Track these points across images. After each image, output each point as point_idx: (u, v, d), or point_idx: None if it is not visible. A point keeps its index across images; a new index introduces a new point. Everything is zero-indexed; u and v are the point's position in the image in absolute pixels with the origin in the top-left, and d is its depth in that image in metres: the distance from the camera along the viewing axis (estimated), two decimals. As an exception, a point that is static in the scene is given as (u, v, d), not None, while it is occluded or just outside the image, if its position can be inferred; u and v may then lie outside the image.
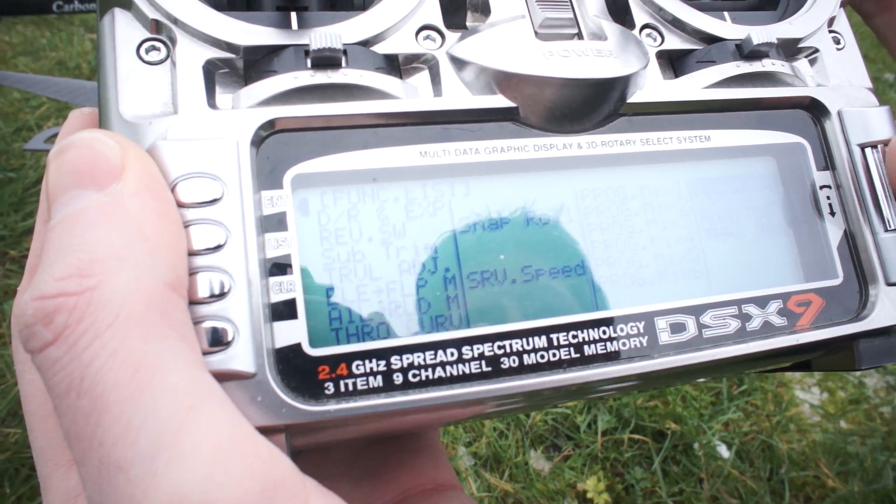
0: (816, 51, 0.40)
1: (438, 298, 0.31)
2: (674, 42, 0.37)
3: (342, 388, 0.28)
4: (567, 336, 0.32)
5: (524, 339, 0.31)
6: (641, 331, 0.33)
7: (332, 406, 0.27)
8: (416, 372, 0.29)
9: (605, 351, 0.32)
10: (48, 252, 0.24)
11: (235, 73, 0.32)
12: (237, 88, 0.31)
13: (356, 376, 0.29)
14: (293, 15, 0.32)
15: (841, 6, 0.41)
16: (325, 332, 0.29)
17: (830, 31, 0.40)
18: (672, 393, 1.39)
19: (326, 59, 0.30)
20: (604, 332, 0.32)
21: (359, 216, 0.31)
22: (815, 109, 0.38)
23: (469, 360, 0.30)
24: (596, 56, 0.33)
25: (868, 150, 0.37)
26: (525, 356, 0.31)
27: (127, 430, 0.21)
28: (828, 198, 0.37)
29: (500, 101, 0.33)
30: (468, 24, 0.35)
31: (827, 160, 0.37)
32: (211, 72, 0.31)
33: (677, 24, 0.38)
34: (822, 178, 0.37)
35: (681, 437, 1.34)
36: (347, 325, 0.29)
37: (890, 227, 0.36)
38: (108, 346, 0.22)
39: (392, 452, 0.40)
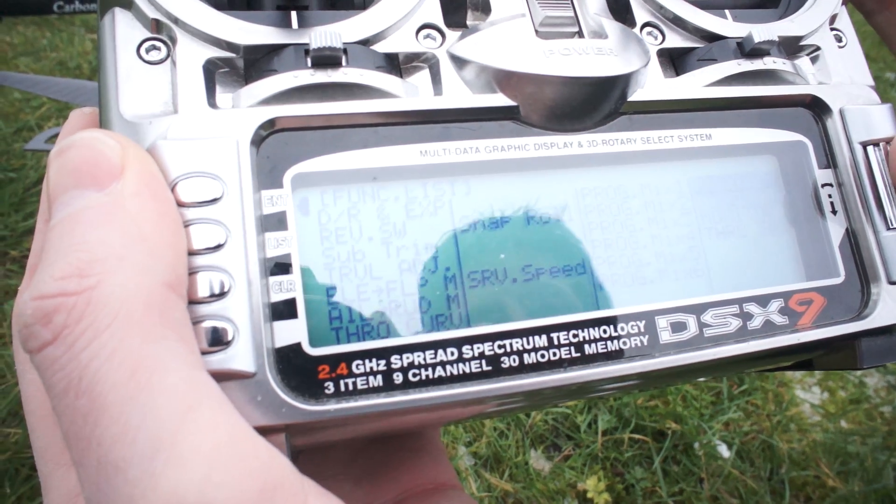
0: (818, 48, 0.40)
1: (439, 297, 0.31)
2: (675, 40, 0.37)
3: (342, 388, 0.28)
4: (567, 335, 0.31)
5: (524, 339, 0.31)
6: (642, 330, 0.33)
7: (332, 406, 0.27)
8: (417, 371, 0.29)
9: (605, 350, 0.32)
10: (48, 252, 0.24)
11: (236, 73, 0.32)
12: (237, 88, 0.31)
13: (356, 376, 0.29)
14: (293, 14, 0.32)
15: (843, 4, 0.41)
16: (325, 331, 0.29)
17: (832, 29, 0.40)
18: (672, 392, 1.39)
19: (326, 59, 0.30)
20: (604, 332, 0.32)
21: (359, 215, 0.31)
22: (816, 107, 0.38)
23: (469, 360, 0.30)
24: (597, 54, 0.33)
25: (870, 148, 0.37)
26: (525, 355, 0.31)
27: (125, 430, 0.21)
28: (829, 196, 0.37)
29: (500, 99, 0.33)
30: (468, 22, 0.35)
31: (829, 158, 0.37)
32: (211, 71, 0.31)
33: (678, 23, 0.37)
34: (823, 176, 0.37)
35: (681, 436, 1.34)
36: (347, 324, 0.29)
37: (892, 225, 0.36)
38: (106, 346, 0.22)
39: (393, 452, 0.40)
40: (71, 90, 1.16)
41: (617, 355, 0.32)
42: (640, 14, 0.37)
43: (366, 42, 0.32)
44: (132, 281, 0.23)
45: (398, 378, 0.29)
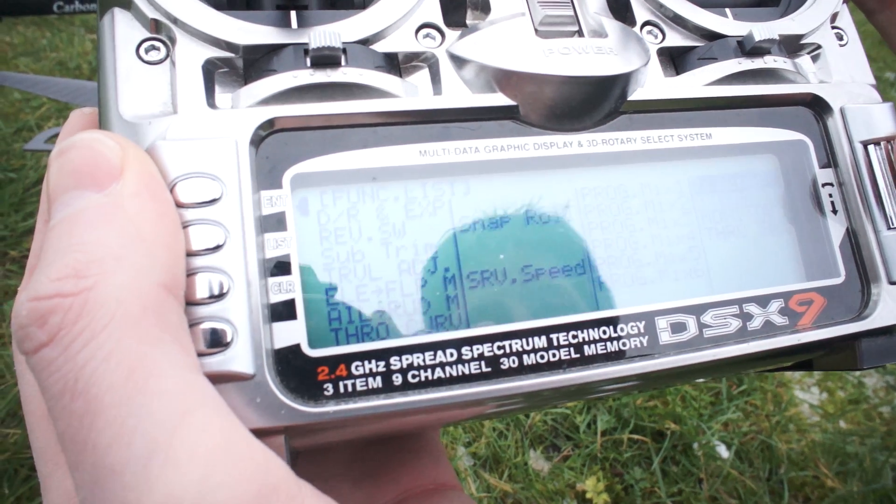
0: (819, 47, 0.40)
1: (438, 298, 0.31)
2: (675, 39, 0.37)
3: (341, 389, 0.28)
4: (567, 336, 0.31)
5: (524, 340, 0.31)
6: (642, 330, 0.32)
7: (331, 407, 0.27)
8: (416, 373, 0.29)
9: (605, 351, 0.32)
10: (46, 253, 0.24)
11: (235, 73, 0.32)
12: (237, 88, 0.31)
13: (355, 377, 0.28)
14: (293, 14, 0.32)
15: (843, 2, 0.41)
16: (324, 332, 0.29)
17: (833, 27, 0.40)
18: (671, 393, 1.39)
19: (326, 58, 0.30)
20: (604, 332, 0.32)
21: (358, 215, 0.31)
22: (817, 106, 0.38)
23: (469, 361, 0.30)
24: (596, 53, 0.33)
25: (871, 147, 0.37)
26: (525, 356, 0.31)
27: (121, 433, 0.21)
28: (830, 195, 0.37)
29: (500, 99, 0.33)
30: (468, 21, 0.35)
31: (829, 157, 0.37)
32: (210, 71, 0.31)
33: (678, 21, 0.37)
34: (824, 175, 0.37)
35: (680, 437, 1.34)
36: (347, 325, 0.29)
37: (893, 224, 0.36)
38: (103, 348, 0.22)
39: (392, 453, 0.40)
40: (71, 90, 1.16)
41: (617, 356, 0.32)
42: (640, 13, 0.37)
43: (365, 42, 0.32)
44: (129, 282, 0.23)
45: (397, 379, 0.29)
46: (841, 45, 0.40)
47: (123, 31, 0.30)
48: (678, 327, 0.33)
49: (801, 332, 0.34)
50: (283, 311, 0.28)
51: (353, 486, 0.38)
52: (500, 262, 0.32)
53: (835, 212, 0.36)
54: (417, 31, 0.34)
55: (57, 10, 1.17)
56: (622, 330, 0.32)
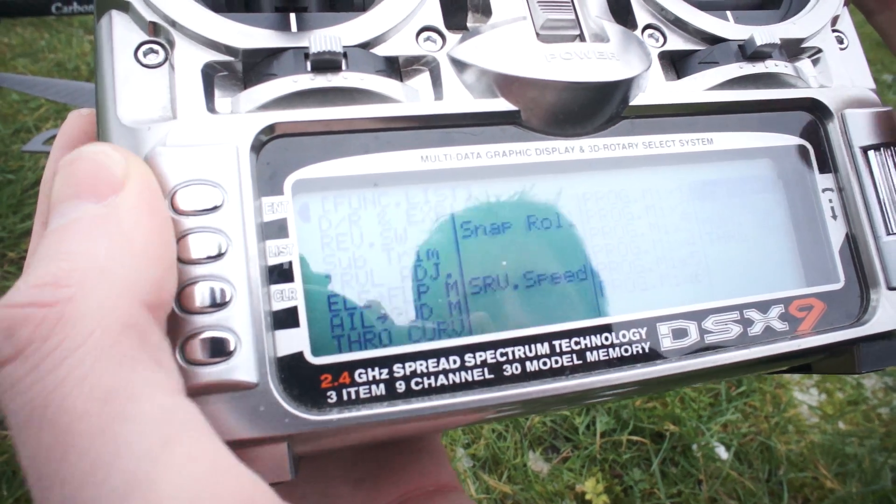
0: (819, 51, 0.40)
1: (440, 305, 0.30)
2: (676, 43, 0.37)
3: (345, 397, 0.28)
4: (569, 342, 0.31)
5: (526, 346, 0.31)
6: (644, 336, 0.32)
7: (334, 415, 0.27)
8: (419, 380, 0.29)
9: (607, 357, 0.32)
10: (33, 259, 0.23)
11: (234, 76, 0.31)
12: (236, 91, 0.31)
13: (359, 385, 0.28)
14: (292, 16, 0.32)
15: (844, 5, 0.41)
16: (327, 340, 0.29)
17: (834, 31, 0.40)
18: (670, 394, 1.39)
19: (326, 63, 0.30)
20: (606, 339, 0.32)
21: (360, 221, 0.30)
22: (817, 111, 0.38)
23: (471, 368, 0.30)
24: (598, 59, 0.33)
25: (871, 153, 0.37)
26: (528, 363, 0.31)
27: (95, 466, 0.19)
28: (830, 201, 0.37)
29: (501, 104, 0.32)
30: (469, 25, 0.34)
31: (829, 162, 0.37)
32: (210, 75, 0.31)
33: (679, 25, 0.37)
34: (824, 180, 0.37)
35: (679, 438, 1.34)
36: (349, 332, 0.29)
37: (892, 230, 0.36)
38: (76, 370, 0.20)
39: (393, 455, 0.40)
40: (69, 91, 1.16)
41: (619, 362, 0.32)
42: (642, 16, 0.37)
43: (366, 45, 0.32)
44: (112, 297, 0.22)
45: (401, 387, 0.29)
46: (841, 49, 0.40)
47: (121, 33, 0.30)
48: (679, 333, 0.33)
49: (801, 338, 0.34)
50: (285, 319, 0.28)
51: (353, 487, 0.38)
52: (502, 268, 0.32)
53: (834, 217, 0.36)
54: (418, 34, 0.33)
55: (55, 11, 1.17)
56: (624, 336, 0.32)
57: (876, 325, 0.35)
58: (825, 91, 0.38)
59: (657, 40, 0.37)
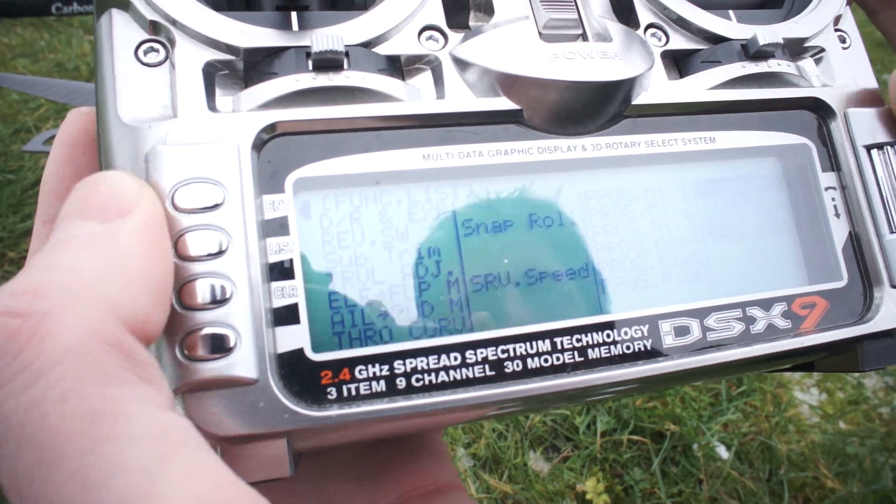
0: (822, 50, 0.40)
1: (442, 302, 0.30)
2: (679, 42, 0.37)
3: (345, 393, 0.28)
4: (571, 340, 0.31)
5: (528, 343, 0.31)
6: (645, 334, 0.32)
7: (334, 411, 0.27)
8: (420, 376, 0.29)
9: (608, 354, 0.32)
10: (23, 269, 0.22)
11: (235, 75, 0.31)
12: (237, 90, 0.31)
13: (359, 381, 0.28)
14: (293, 15, 0.32)
15: (847, 4, 0.41)
16: (327, 336, 0.29)
17: (836, 30, 0.40)
18: (671, 394, 1.39)
19: (328, 62, 0.30)
20: (608, 336, 0.32)
21: (361, 219, 0.30)
22: (820, 110, 0.38)
23: (472, 365, 0.30)
24: (601, 58, 0.33)
25: (874, 151, 0.37)
26: (529, 360, 0.31)
27: (87, 487, 0.18)
28: (833, 199, 0.37)
29: (503, 103, 0.32)
30: (471, 24, 0.34)
31: (832, 161, 0.37)
32: (211, 74, 0.30)
33: (682, 24, 0.37)
34: (827, 179, 0.37)
35: (680, 438, 1.34)
36: (350, 329, 0.29)
37: (895, 228, 0.36)
38: (55, 388, 0.19)
39: (394, 453, 0.40)
40: (69, 92, 1.16)
41: (620, 360, 0.32)
42: (644, 15, 0.37)
43: (367, 44, 0.32)
44: (94, 315, 0.20)
45: (401, 383, 0.29)
46: (844, 48, 0.40)
47: (121, 32, 0.30)
48: (682, 330, 0.33)
49: (804, 336, 0.34)
50: (286, 316, 0.28)
51: (355, 485, 0.38)
52: (504, 265, 0.32)
53: (837, 215, 0.36)
54: (420, 33, 0.33)
55: (55, 11, 1.17)
56: (626, 333, 0.32)
57: (879, 322, 0.35)
58: (828, 90, 0.38)
59: (660, 40, 0.37)
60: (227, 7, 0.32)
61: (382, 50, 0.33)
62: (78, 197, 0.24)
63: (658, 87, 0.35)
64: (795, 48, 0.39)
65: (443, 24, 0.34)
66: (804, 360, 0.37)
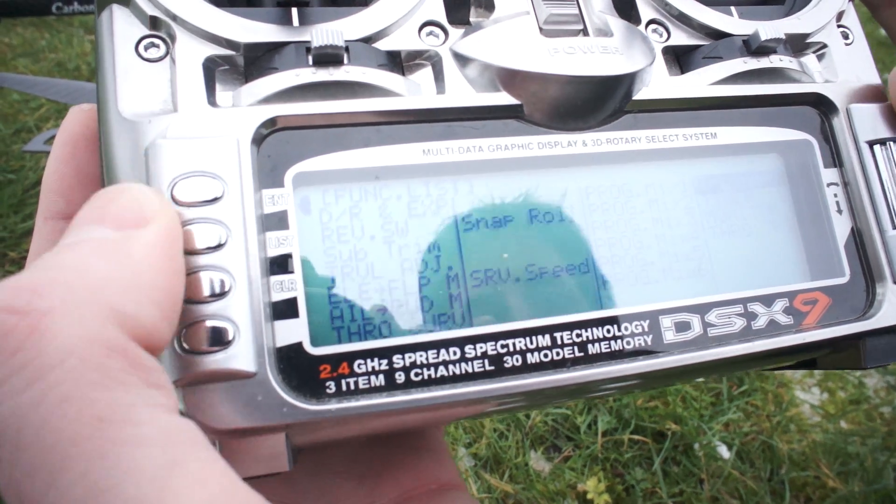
0: (825, 46, 0.39)
1: (441, 297, 0.30)
2: (680, 38, 0.37)
3: (344, 388, 0.28)
4: (571, 335, 0.31)
5: (527, 338, 0.31)
6: (646, 329, 0.32)
7: (333, 405, 0.27)
8: (419, 371, 0.29)
9: (609, 350, 0.32)
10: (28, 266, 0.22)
11: (236, 70, 0.31)
12: (238, 85, 0.31)
13: (358, 375, 0.28)
14: (294, 11, 0.32)
15: (849, 0, 0.40)
16: (326, 330, 0.29)
17: (839, 26, 0.40)
18: (672, 393, 1.38)
19: (328, 57, 0.30)
20: (608, 331, 0.32)
21: (361, 214, 0.30)
22: (822, 106, 0.37)
23: (472, 359, 0.30)
24: (602, 53, 0.33)
25: (876, 147, 0.36)
26: (528, 355, 0.30)
27: (93, 492, 0.17)
28: (835, 195, 0.37)
29: (504, 98, 0.32)
30: (472, 19, 0.35)
31: (834, 157, 0.37)
32: (211, 69, 0.31)
33: (683, 20, 0.37)
34: (829, 175, 0.37)
35: (681, 437, 1.34)
36: (349, 323, 0.29)
37: None
38: (55, 391, 0.18)
39: (395, 452, 0.40)
40: (70, 91, 1.16)
41: (620, 355, 0.32)
42: (645, 11, 0.37)
43: (368, 39, 0.32)
44: (98, 318, 0.20)
45: (400, 377, 0.29)
46: (847, 45, 0.40)
47: (122, 28, 0.30)
48: (682, 326, 0.33)
49: (806, 332, 0.34)
50: (284, 310, 0.28)
51: (356, 483, 0.38)
52: (504, 260, 0.31)
53: (839, 211, 0.36)
54: (420, 28, 0.33)
55: (56, 11, 1.17)
56: (626, 329, 0.32)
57: (882, 318, 0.35)
58: (830, 86, 0.38)
59: (661, 35, 0.37)
60: (228, 3, 0.32)
61: (383, 45, 0.33)
62: (96, 203, 0.24)
63: (659, 83, 0.35)
64: (797, 44, 0.39)
65: (443, 19, 0.34)
66: (806, 356, 0.37)
